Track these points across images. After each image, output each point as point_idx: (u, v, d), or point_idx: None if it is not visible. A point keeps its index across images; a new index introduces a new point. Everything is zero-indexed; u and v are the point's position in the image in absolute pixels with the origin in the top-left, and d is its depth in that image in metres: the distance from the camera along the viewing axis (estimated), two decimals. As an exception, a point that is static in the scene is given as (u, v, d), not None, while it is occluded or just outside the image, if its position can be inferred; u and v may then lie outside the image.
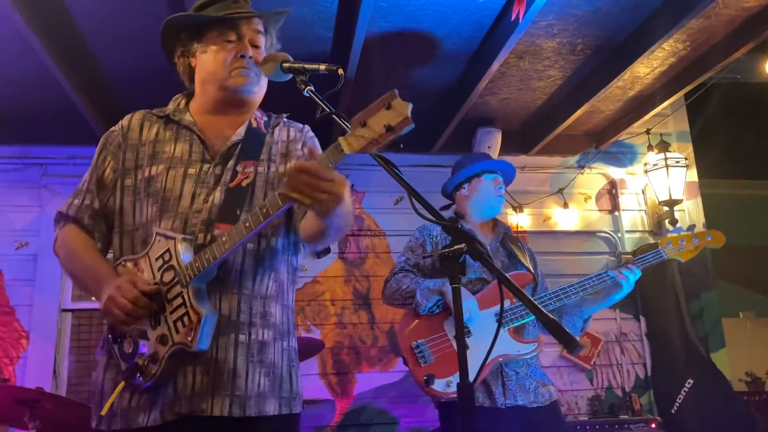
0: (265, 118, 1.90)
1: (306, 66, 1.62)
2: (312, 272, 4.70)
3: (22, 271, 4.40)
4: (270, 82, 1.85)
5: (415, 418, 4.47)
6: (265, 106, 1.93)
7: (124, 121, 1.87)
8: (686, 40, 3.83)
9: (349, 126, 1.46)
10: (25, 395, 2.85)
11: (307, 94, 1.60)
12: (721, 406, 4.35)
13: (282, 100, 1.95)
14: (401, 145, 1.33)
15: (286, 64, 1.64)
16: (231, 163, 1.75)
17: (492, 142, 4.79)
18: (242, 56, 1.76)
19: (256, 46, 1.81)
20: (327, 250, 1.78)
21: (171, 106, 1.88)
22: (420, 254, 2.83)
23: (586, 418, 4.45)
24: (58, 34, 3.45)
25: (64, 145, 4.53)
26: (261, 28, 1.83)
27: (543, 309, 1.20)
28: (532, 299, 1.23)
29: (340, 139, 1.40)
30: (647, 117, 4.69)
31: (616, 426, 4.08)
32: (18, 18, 3.12)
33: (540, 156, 5.13)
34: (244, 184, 1.72)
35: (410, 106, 1.31)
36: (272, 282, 1.73)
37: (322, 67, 1.61)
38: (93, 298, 1.72)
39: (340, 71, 1.59)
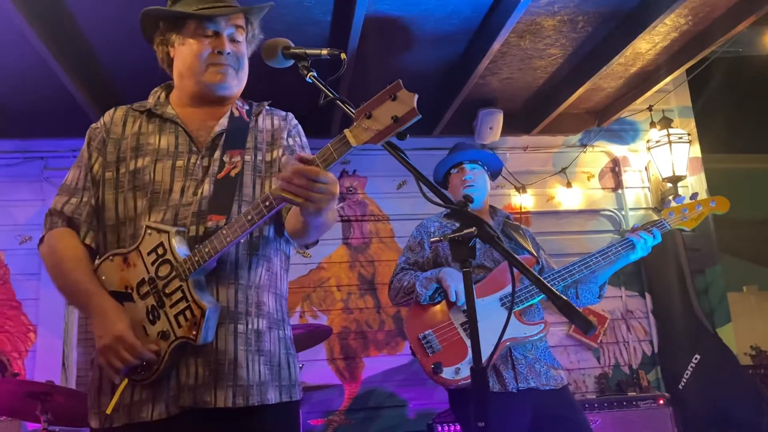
0: (247, 107, 1.87)
1: (307, 51, 1.61)
2: (317, 258, 4.70)
3: (27, 265, 4.41)
4: (250, 70, 1.83)
5: (424, 401, 4.49)
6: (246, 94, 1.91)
7: (106, 117, 1.84)
8: (688, 14, 3.79)
9: (354, 112, 1.44)
10: (36, 389, 2.87)
11: (310, 80, 1.58)
12: (728, 381, 4.37)
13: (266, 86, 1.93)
14: (407, 136, 1.32)
15: (287, 50, 1.61)
16: (217, 153, 1.74)
17: (494, 123, 4.76)
18: (219, 52, 1.74)
19: (235, 41, 1.78)
20: (315, 242, 1.77)
21: (151, 100, 1.86)
22: (419, 252, 2.86)
23: (594, 396, 4.46)
24: (56, 27, 3.42)
25: (65, 138, 4.51)
26: (241, 21, 1.80)
27: (557, 291, 1.19)
28: (545, 281, 1.22)
29: (346, 132, 1.39)
30: (649, 93, 4.66)
31: (624, 403, 4.10)
32: (15, 12, 3.09)
33: (542, 135, 5.10)
34: (232, 174, 1.71)
35: (416, 96, 1.30)
36: (265, 271, 1.73)
37: (324, 51, 1.60)
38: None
39: (343, 56, 1.57)
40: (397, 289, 2.77)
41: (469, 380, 2.43)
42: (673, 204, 2.81)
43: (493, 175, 3.05)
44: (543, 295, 2.63)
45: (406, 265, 2.85)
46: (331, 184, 1.44)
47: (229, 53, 1.75)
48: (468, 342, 2.55)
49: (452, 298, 2.56)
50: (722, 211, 2.78)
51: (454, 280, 2.58)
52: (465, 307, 2.58)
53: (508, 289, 2.66)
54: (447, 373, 2.53)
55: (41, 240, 1.77)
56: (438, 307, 2.68)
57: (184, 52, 1.76)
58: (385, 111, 1.33)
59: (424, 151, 4.50)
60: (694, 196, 2.82)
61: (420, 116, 1.31)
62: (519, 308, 2.65)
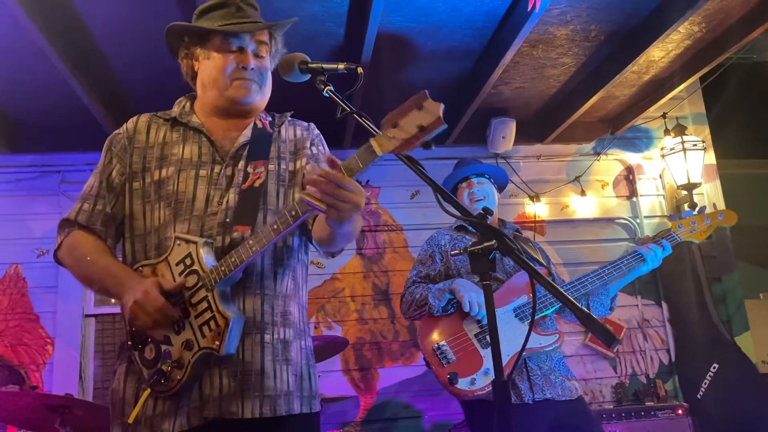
0: (270, 118, 1.89)
1: (324, 66, 1.61)
2: (331, 269, 4.70)
3: (44, 278, 4.44)
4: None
5: (439, 411, 4.47)
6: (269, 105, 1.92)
7: (129, 124, 1.86)
8: (702, 21, 3.77)
9: (371, 125, 1.45)
10: (54, 402, 2.87)
11: (327, 95, 1.59)
12: (747, 390, 4.31)
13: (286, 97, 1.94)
14: (433, 145, 1.32)
15: (304, 65, 1.62)
16: (241, 164, 1.75)
17: (506, 132, 4.76)
18: (244, 68, 1.75)
19: (259, 56, 1.80)
20: (340, 250, 1.78)
21: (176, 109, 1.88)
22: (430, 266, 2.86)
23: (612, 406, 4.42)
24: (74, 43, 3.47)
25: (81, 152, 4.56)
26: (265, 37, 1.82)
27: (578, 304, 1.19)
28: (566, 294, 1.22)
29: (372, 141, 1.39)
30: (663, 101, 4.64)
31: (642, 413, 4.05)
32: (34, 29, 3.14)
33: (555, 144, 5.09)
34: (256, 184, 1.72)
35: (442, 106, 1.30)
36: (290, 281, 1.74)
37: (341, 66, 1.60)
38: (113, 301, 1.67)
39: (360, 70, 1.58)
40: (408, 302, 2.77)
41: (485, 390, 2.47)
42: (684, 217, 2.85)
43: (500, 188, 3.06)
44: (556, 306, 2.63)
45: (417, 278, 2.85)
46: (357, 193, 1.44)
47: (253, 68, 1.77)
48: (482, 352, 2.55)
49: (466, 309, 2.55)
50: (730, 224, 2.84)
51: (467, 290, 2.58)
52: (479, 318, 2.59)
53: (521, 300, 2.66)
54: (462, 383, 2.52)
55: (59, 246, 1.78)
56: (451, 318, 2.68)
57: (208, 67, 1.78)
58: (411, 120, 1.33)
59: (438, 161, 4.50)
60: (701, 209, 2.86)
61: (446, 126, 1.31)
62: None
